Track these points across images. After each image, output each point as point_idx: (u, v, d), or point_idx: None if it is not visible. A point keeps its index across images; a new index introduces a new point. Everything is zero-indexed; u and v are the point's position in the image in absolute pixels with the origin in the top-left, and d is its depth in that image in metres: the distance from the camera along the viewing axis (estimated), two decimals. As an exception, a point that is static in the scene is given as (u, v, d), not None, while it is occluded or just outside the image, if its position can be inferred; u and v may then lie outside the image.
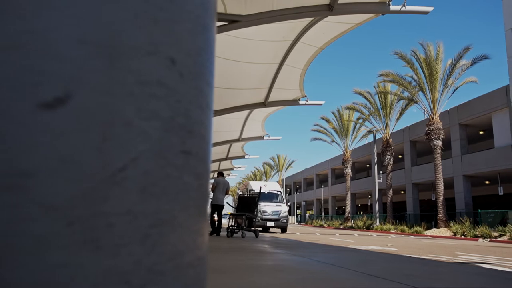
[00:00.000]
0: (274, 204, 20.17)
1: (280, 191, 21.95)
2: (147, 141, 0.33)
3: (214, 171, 13.67)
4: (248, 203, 10.29)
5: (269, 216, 19.20)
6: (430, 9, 9.53)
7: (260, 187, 12.39)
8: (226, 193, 11.55)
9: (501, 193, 24.53)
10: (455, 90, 23.39)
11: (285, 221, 19.63)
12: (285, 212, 19.86)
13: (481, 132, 28.42)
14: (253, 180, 61.16)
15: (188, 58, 0.36)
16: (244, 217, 10.17)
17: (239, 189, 28.72)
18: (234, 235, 10.30)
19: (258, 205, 18.09)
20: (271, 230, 20.58)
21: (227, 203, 11.41)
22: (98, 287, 0.29)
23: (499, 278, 3.22)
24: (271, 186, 22.50)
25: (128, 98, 0.32)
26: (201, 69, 0.38)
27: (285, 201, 21.43)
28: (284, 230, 19.74)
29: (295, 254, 5.10)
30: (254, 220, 10.26)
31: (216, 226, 11.11)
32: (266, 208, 19.40)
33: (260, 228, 18.61)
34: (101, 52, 0.31)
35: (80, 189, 0.29)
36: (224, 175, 13.04)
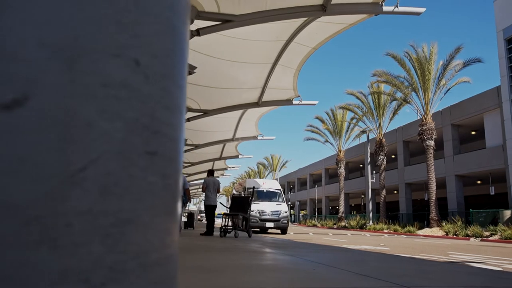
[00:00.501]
0: (274, 203, 18.75)
1: (280, 190, 20.29)
2: (109, 142, 0.33)
3: (207, 170, 13.65)
4: (241, 203, 10.29)
5: (268, 217, 17.78)
6: (422, 10, 9.60)
7: (254, 186, 12.26)
8: (218, 192, 11.59)
9: (492, 193, 24.76)
10: (447, 91, 23.59)
11: (286, 221, 18.20)
12: (286, 212, 18.43)
13: (473, 133, 28.67)
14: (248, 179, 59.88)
15: (154, 60, 0.37)
16: (240, 217, 10.17)
17: (234, 189, 27.50)
18: (227, 235, 10.29)
19: (257, 204, 16.89)
20: (269, 231, 19.65)
21: (220, 203, 11.40)
22: (55, 285, 0.29)
23: (488, 277, 3.26)
24: (270, 184, 20.78)
25: (90, 99, 0.32)
26: (170, 70, 0.38)
27: (285, 200, 19.92)
28: (284, 231, 18.34)
29: (287, 254, 5.12)
30: (247, 219, 10.21)
31: (209, 226, 11.14)
32: (265, 207, 18.02)
33: (258, 229, 17.55)
34: (62, 54, 0.31)
35: (38, 189, 0.30)
36: (215, 174, 13.04)
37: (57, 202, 0.30)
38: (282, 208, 18.43)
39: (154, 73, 0.36)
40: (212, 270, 3.19)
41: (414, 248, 10.23)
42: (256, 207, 17.12)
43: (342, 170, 35.38)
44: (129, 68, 0.35)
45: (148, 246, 0.35)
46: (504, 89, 22.69)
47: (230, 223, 10.51)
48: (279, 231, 18.96)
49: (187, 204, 15.17)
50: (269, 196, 19.39)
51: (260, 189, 19.14)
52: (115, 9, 0.34)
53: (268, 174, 62.68)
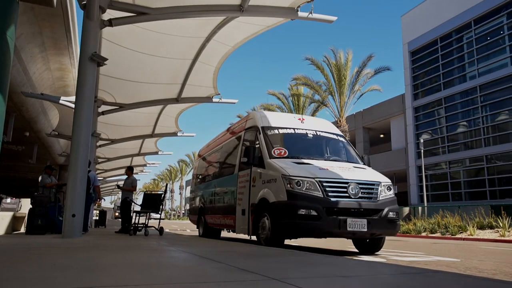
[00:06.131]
0: (351, 165, 7.65)
1: (343, 135, 8.92)
2: None
3: (126, 167, 13.25)
4: (153, 200, 10.08)
5: (350, 200, 6.40)
6: (334, 18, 10.18)
7: (167, 186, 11.87)
8: (133, 190, 11.58)
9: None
10: (361, 96, 25.36)
11: (395, 215, 6.86)
12: (390, 187, 7.23)
13: (382, 136, 31.14)
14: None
15: None
16: (147, 215, 9.96)
17: (204, 149, 13.55)
18: (138, 232, 10.04)
19: (305, 166, 6.69)
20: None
21: (130, 200, 11.09)
22: None
23: (346, 266, 3.58)
24: (316, 123, 8.83)
25: None
26: None
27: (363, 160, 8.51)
28: (380, 243, 7.57)
29: (187, 252, 5.13)
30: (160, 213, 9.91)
31: (124, 224, 11.09)
32: (335, 172, 6.72)
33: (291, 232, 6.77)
34: None
35: None
36: (134, 171, 12.93)
37: None
38: (374, 175, 7.37)
39: None
40: (96, 269, 3.11)
41: (319, 243, 10.85)
42: (307, 170, 6.64)
43: (263, 169, 36.12)
44: None
45: None
46: (407, 97, 24.95)
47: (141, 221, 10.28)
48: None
49: (98, 201, 14.55)
50: (322, 147, 8.38)
51: (297, 131, 8.17)
52: None
53: (190, 171, 62.04)
